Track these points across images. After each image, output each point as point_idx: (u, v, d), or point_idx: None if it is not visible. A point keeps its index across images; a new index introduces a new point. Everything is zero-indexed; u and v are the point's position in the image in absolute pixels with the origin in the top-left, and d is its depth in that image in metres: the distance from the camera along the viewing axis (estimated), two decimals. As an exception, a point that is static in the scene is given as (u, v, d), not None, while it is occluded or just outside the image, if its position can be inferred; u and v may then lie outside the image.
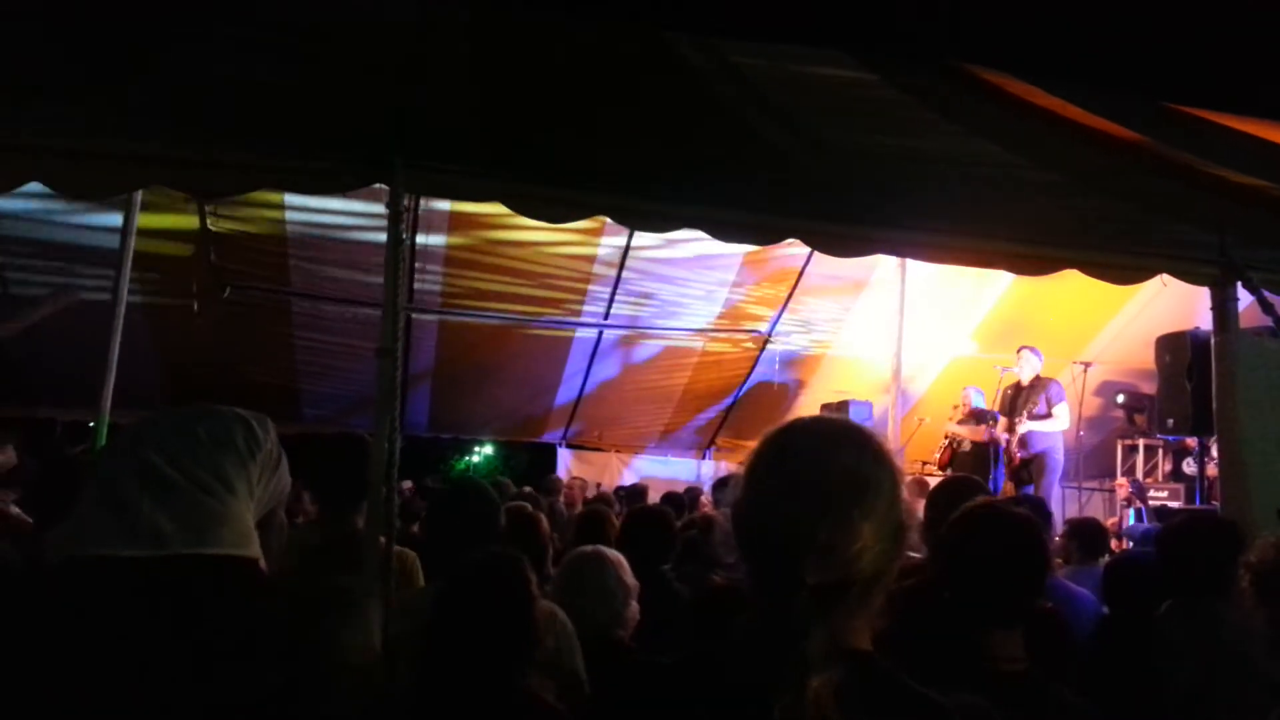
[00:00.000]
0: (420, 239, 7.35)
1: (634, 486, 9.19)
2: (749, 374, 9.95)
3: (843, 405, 9.06)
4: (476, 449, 12.71)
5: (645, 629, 3.17)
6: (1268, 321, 3.88)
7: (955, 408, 8.87)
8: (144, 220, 5.61)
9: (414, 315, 8.18)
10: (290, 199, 6.75)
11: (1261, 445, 3.60)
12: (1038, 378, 8.16)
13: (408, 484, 8.77)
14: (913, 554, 1.60)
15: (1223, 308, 3.77)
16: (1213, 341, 3.83)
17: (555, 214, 3.43)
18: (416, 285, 8.00)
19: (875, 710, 1.09)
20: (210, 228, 7.00)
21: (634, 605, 3.09)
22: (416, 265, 7.69)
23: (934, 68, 3.41)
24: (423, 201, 6.81)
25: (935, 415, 9.38)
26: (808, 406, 9.58)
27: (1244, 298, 3.85)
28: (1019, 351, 8.23)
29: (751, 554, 1.19)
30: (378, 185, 3.30)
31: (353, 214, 6.89)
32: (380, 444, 2.95)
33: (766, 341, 9.45)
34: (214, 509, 1.41)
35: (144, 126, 3.24)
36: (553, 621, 2.71)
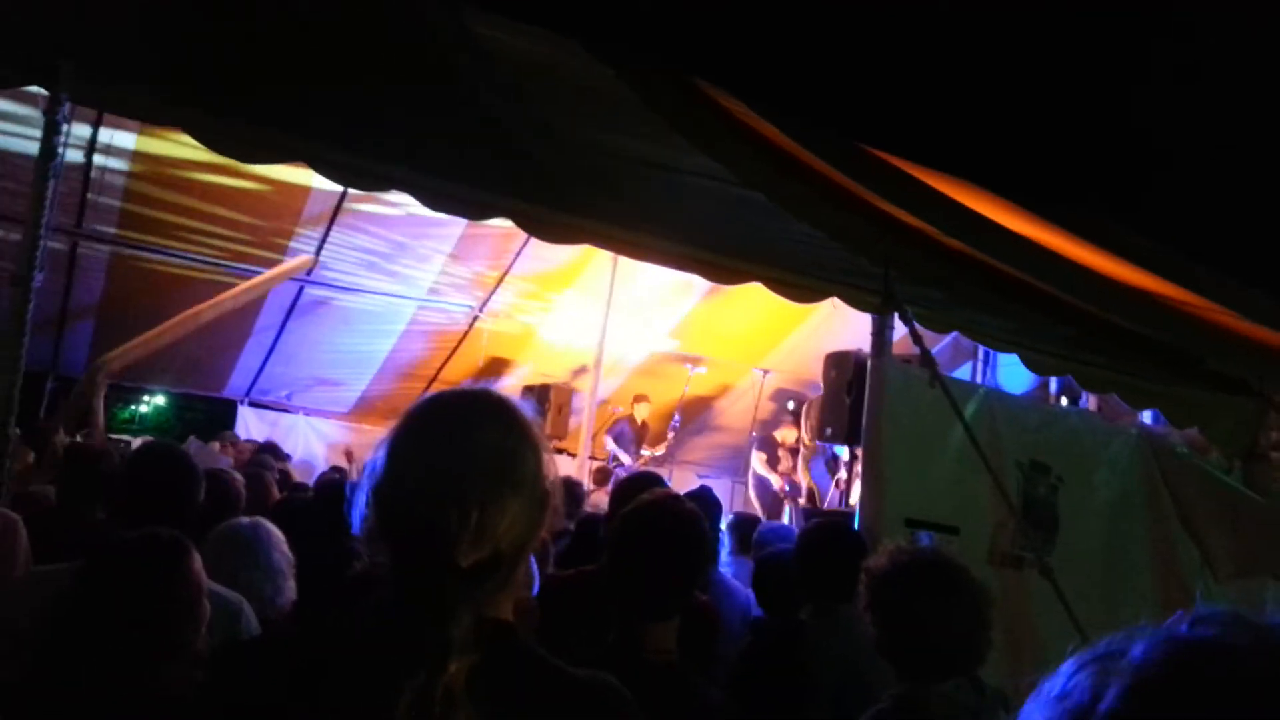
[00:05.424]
0: (99, 159, 6.55)
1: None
2: (456, 348, 9.82)
3: (545, 388, 9.22)
4: (145, 399, 11.52)
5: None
6: (918, 351, 4.38)
7: None
8: None
9: (81, 244, 7.31)
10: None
11: (898, 461, 4.04)
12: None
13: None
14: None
15: (880, 334, 4.20)
16: (869, 364, 4.27)
17: (246, 152, 3.16)
18: (91, 209, 7.14)
19: (504, 689, 1.10)
20: None
21: (290, 583, 2.94)
22: (91, 188, 6.85)
23: (668, 78, 3.51)
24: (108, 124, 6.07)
25: (628, 405, 9.80)
26: (511, 387, 9.63)
27: (900, 327, 4.31)
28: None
29: (395, 537, 1.15)
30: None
31: (12, 119, 5.99)
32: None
33: (476, 318, 9.38)
34: None
35: None
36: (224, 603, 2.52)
